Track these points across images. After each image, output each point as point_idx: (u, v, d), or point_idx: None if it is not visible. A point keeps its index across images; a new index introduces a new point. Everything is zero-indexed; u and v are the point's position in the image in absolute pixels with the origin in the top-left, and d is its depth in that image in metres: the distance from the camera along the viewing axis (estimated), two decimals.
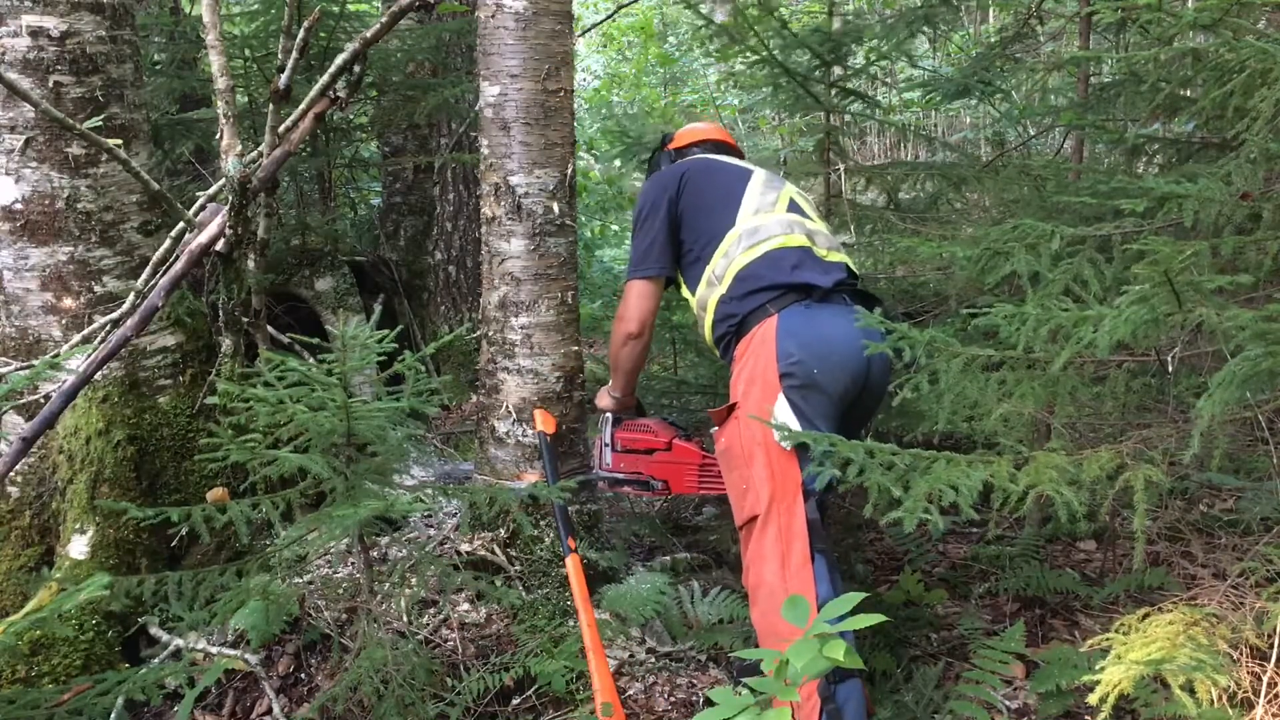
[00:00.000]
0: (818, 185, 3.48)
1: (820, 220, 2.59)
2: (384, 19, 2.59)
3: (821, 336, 2.28)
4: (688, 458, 2.74)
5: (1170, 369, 2.02)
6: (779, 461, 2.24)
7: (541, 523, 2.91)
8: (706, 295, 2.47)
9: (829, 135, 3.41)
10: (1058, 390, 2.12)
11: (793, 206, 2.53)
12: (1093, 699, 1.57)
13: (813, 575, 2.17)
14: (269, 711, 2.44)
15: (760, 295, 2.35)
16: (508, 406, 2.95)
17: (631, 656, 2.68)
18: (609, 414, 2.86)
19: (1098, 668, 1.60)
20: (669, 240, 2.53)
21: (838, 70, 3.44)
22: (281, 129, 2.61)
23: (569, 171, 2.90)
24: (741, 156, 2.86)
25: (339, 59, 2.49)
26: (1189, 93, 3.03)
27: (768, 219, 2.46)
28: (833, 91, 3.42)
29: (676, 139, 2.90)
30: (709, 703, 1.74)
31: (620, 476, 2.86)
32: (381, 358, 2.08)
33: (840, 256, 2.49)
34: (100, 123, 2.59)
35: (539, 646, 2.63)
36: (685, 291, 2.60)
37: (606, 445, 2.88)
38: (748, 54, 3.35)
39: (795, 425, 2.22)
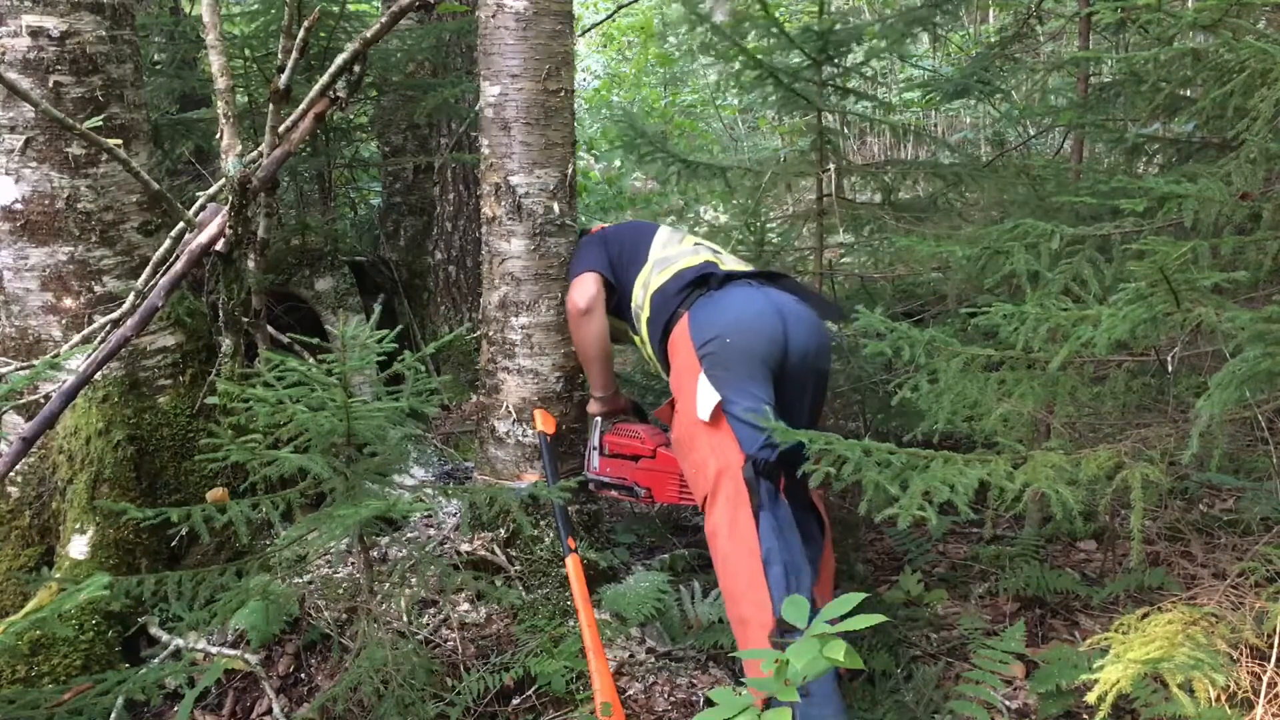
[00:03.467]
0: (811, 185, 3.47)
1: (728, 255, 2.80)
2: (384, 19, 2.59)
3: (726, 309, 2.44)
4: (671, 467, 2.75)
5: (1170, 369, 2.02)
6: (714, 437, 2.35)
7: (541, 523, 2.92)
8: (640, 327, 2.70)
9: (821, 135, 3.40)
10: (1057, 390, 2.13)
11: (697, 245, 2.78)
12: (1091, 698, 1.57)
13: (756, 532, 2.26)
14: (269, 711, 2.44)
15: (671, 303, 2.56)
16: (508, 406, 2.95)
17: (631, 656, 2.68)
18: (598, 417, 2.88)
19: (1096, 667, 1.60)
20: (605, 258, 2.76)
21: (829, 69, 3.43)
22: (281, 129, 2.61)
23: (569, 171, 2.90)
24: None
25: (339, 59, 2.49)
26: (1189, 93, 3.03)
27: (674, 250, 2.73)
28: (825, 91, 3.41)
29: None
30: (709, 703, 1.75)
31: (606, 480, 2.86)
32: (381, 358, 2.08)
33: (746, 268, 2.69)
34: (100, 123, 2.59)
35: (539, 646, 2.63)
36: (634, 337, 2.82)
37: (594, 449, 2.88)
38: (732, 57, 3.34)
39: (712, 394, 2.34)
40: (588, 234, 2.97)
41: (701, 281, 2.54)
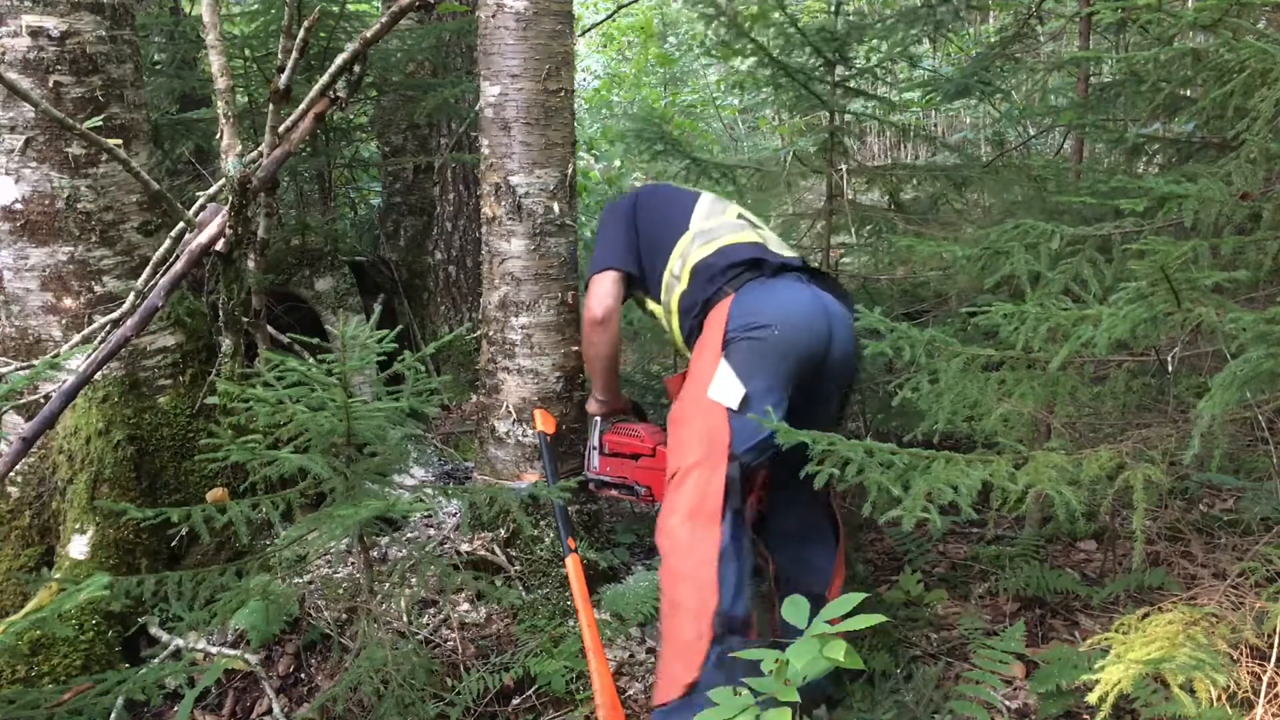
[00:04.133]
0: (819, 185, 3.47)
1: (770, 233, 2.69)
2: (384, 19, 2.58)
3: (777, 300, 2.35)
4: None
5: (1170, 369, 2.02)
6: (713, 426, 2.29)
7: (541, 523, 2.91)
8: (669, 297, 2.57)
9: (832, 135, 3.40)
10: (1057, 390, 2.13)
11: (741, 218, 2.65)
12: (1092, 698, 1.57)
13: (719, 525, 2.21)
14: (269, 711, 2.44)
15: (717, 280, 2.44)
16: (508, 406, 2.95)
17: (631, 656, 2.68)
18: (597, 417, 2.87)
19: (1097, 667, 1.60)
20: (629, 241, 2.63)
21: (841, 69, 3.43)
22: (281, 129, 2.61)
23: (569, 171, 2.90)
24: None
25: (339, 59, 2.49)
26: (1189, 93, 3.03)
27: (719, 221, 2.59)
28: (837, 91, 3.41)
29: None
30: (709, 702, 1.74)
31: (606, 479, 2.86)
32: (381, 358, 2.08)
33: (792, 254, 2.57)
34: (100, 123, 2.59)
35: (539, 646, 2.63)
36: (651, 305, 2.69)
37: (594, 448, 2.88)
38: (748, 54, 3.34)
39: (736, 385, 2.28)
40: (619, 200, 2.83)
41: (754, 264, 2.44)
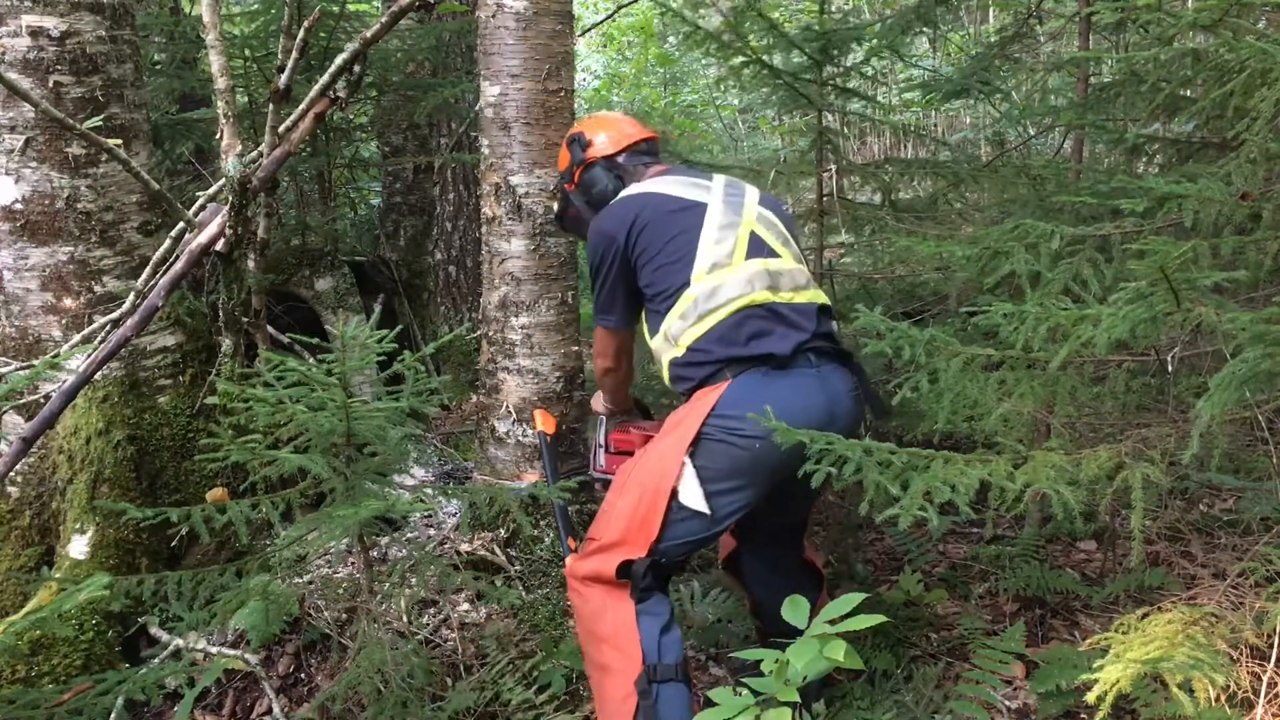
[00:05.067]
0: (811, 185, 3.47)
1: (786, 249, 2.33)
2: (384, 19, 2.58)
3: (777, 409, 1.93)
4: None
5: (1170, 369, 2.02)
6: (648, 513, 2.12)
7: (541, 523, 2.91)
8: (662, 349, 2.29)
9: (821, 135, 3.40)
10: (1057, 390, 2.13)
11: (754, 244, 2.26)
12: (1091, 697, 1.57)
13: (628, 598, 2.12)
14: (269, 711, 2.44)
15: (713, 366, 2.18)
16: (508, 406, 2.95)
17: None
18: (603, 415, 2.86)
19: (1096, 667, 1.60)
20: (628, 292, 2.33)
21: (829, 69, 3.43)
22: (281, 129, 2.61)
23: None
24: (657, 155, 2.60)
25: (339, 59, 2.49)
26: (1189, 93, 3.03)
27: (726, 276, 2.20)
28: (825, 91, 3.42)
29: (598, 144, 2.52)
30: (709, 703, 1.75)
31: (612, 478, 2.85)
32: (381, 358, 2.08)
33: (809, 295, 2.27)
34: (100, 123, 2.59)
35: (539, 646, 2.63)
36: (644, 330, 2.39)
37: (600, 446, 2.87)
38: (739, 56, 3.34)
39: (698, 492, 2.10)
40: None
41: (761, 360, 2.14)
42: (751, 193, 2.40)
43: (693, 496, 2.11)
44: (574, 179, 2.54)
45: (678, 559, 2.20)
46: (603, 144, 2.51)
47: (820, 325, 2.24)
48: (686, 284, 2.21)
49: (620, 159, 2.50)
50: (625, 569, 2.12)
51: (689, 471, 2.11)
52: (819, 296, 2.30)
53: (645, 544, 2.12)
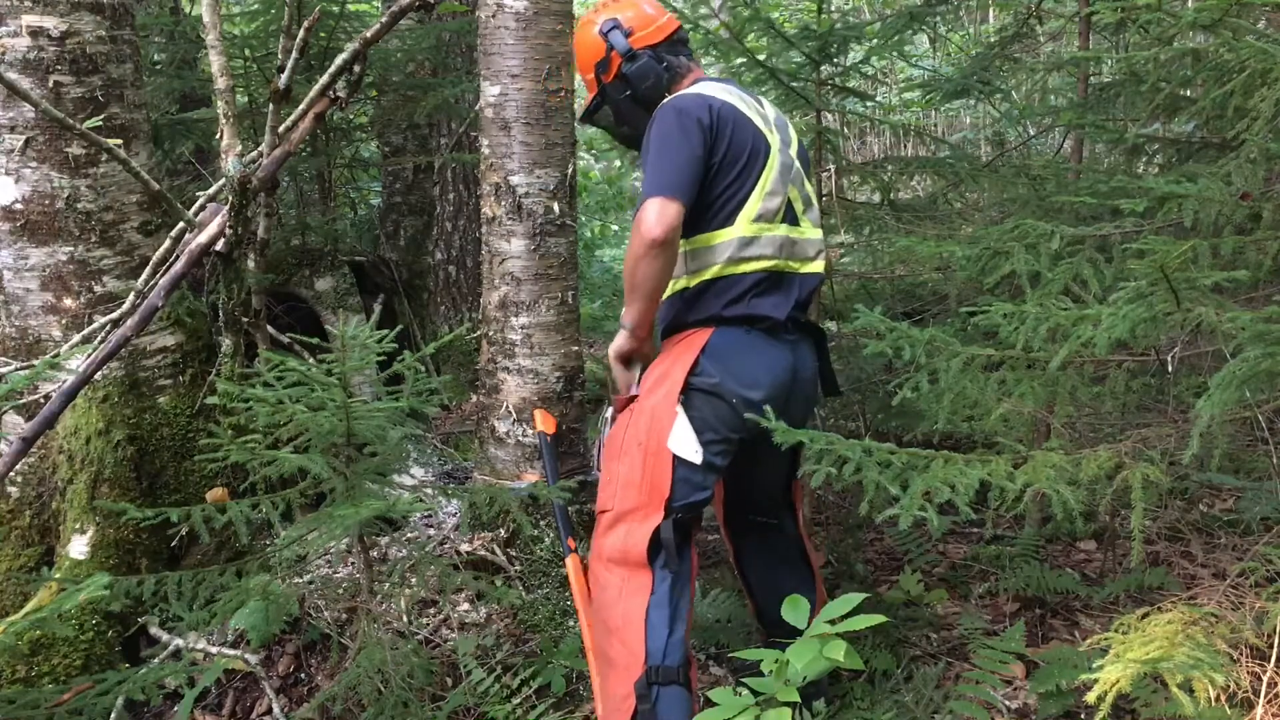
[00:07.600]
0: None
1: (808, 216, 2.32)
2: (384, 19, 2.59)
3: (753, 372, 2.16)
4: None
5: (1170, 369, 2.02)
6: (652, 470, 2.15)
7: (541, 523, 2.91)
8: (680, 266, 2.23)
9: (820, 135, 3.40)
10: (1057, 390, 2.13)
11: (789, 210, 2.26)
12: (1091, 698, 1.57)
13: (650, 577, 2.12)
14: (269, 711, 2.44)
15: (712, 306, 2.19)
16: (508, 406, 2.95)
17: None
18: (609, 411, 2.85)
19: (1095, 666, 1.60)
20: (697, 176, 2.12)
21: (827, 69, 3.43)
22: (281, 129, 2.61)
23: (569, 171, 2.90)
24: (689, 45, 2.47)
25: (339, 59, 2.49)
26: (1189, 93, 3.03)
27: (764, 233, 2.19)
28: (824, 90, 3.42)
29: (640, 30, 2.31)
30: (709, 703, 1.75)
31: None
32: (381, 358, 2.08)
33: (814, 267, 2.30)
34: (100, 123, 2.59)
35: (539, 646, 2.63)
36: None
37: (601, 445, 2.87)
38: (738, 57, 3.34)
39: (694, 440, 2.14)
40: (691, 103, 2.17)
41: (754, 320, 2.19)
42: (794, 140, 2.35)
43: (687, 447, 2.14)
44: (611, 71, 2.31)
45: (689, 517, 2.20)
46: (646, 31, 2.31)
47: (808, 297, 2.30)
48: (732, 223, 2.16)
49: (662, 49, 2.33)
50: (656, 541, 2.12)
51: (682, 421, 2.15)
52: (820, 266, 2.34)
53: (660, 503, 2.14)
